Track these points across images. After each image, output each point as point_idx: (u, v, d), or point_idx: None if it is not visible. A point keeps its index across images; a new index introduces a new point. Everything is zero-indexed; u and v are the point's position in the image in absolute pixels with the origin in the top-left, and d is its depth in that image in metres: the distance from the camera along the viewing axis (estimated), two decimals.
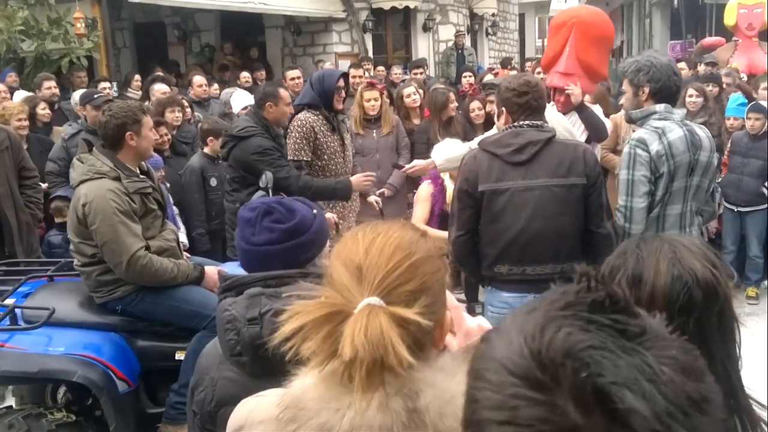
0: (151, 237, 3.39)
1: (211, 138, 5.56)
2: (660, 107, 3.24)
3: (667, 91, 3.26)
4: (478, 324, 1.26)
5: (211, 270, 3.57)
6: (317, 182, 4.65)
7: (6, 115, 5.85)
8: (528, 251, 3.07)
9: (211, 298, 3.49)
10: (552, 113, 4.63)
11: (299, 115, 4.91)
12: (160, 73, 9.18)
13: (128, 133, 3.38)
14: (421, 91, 7.17)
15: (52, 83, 7.21)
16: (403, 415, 1.04)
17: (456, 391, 1.02)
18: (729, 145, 6.14)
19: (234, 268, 3.88)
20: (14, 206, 4.76)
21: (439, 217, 4.59)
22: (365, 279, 1.09)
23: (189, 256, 3.85)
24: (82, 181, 3.29)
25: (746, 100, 6.38)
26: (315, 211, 1.93)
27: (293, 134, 4.84)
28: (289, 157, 4.74)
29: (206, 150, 5.60)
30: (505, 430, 0.56)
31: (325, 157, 4.93)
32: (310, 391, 1.09)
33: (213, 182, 5.56)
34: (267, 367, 1.64)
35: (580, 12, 5.11)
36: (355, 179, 4.70)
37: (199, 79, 8.05)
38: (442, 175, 4.35)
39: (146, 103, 7.05)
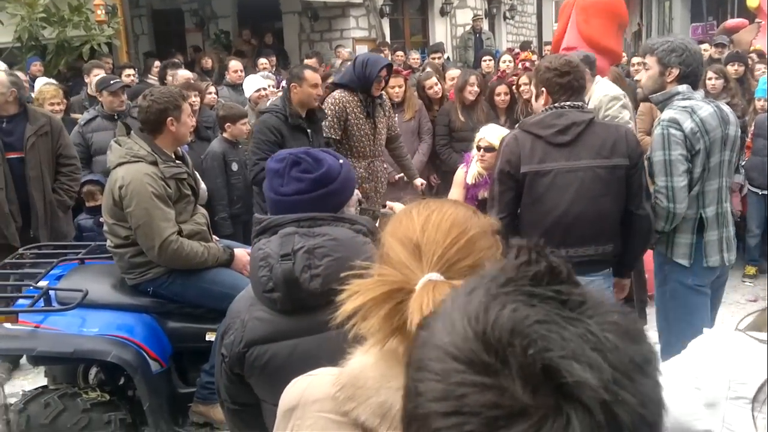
0: (183, 221, 3.42)
1: (228, 123, 5.58)
2: (683, 87, 3.23)
3: (693, 77, 3.28)
4: None
5: (241, 252, 3.61)
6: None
7: (40, 98, 5.92)
8: (571, 233, 3.05)
9: (240, 280, 3.53)
10: (603, 85, 4.58)
11: (334, 94, 5.01)
12: (176, 60, 9.23)
13: (169, 118, 3.41)
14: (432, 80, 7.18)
15: (102, 71, 7.25)
16: None
17: None
18: (753, 128, 6.07)
19: None
20: (43, 191, 4.81)
21: (472, 201, 4.59)
22: (424, 255, 1.09)
23: (218, 239, 3.89)
24: (120, 164, 3.33)
25: None
26: (341, 161, 1.95)
27: (328, 112, 4.92)
28: (324, 135, 4.88)
29: (226, 135, 5.63)
30: (451, 421, 0.54)
31: (355, 138, 5.01)
32: (369, 370, 1.09)
33: (234, 167, 5.58)
34: (298, 302, 1.72)
35: None
36: None
37: (234, 65, 8.20)
38: (473, 157, 4.32)
39: None
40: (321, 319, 1.35)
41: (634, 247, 3.22)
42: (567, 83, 3.10)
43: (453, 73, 6.88)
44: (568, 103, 3.10)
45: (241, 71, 8.12)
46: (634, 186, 3.09)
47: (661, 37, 3.57)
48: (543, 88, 3.16)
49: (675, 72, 3.22)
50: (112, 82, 5.77)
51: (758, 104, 6.23)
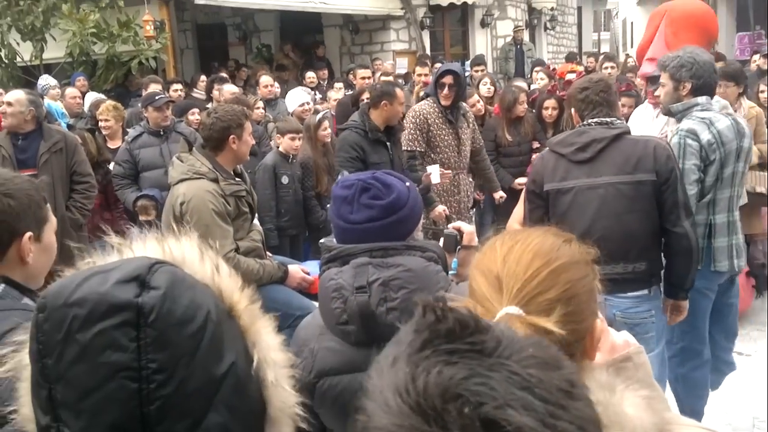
0: (240, 238, 3.46)
1: (278, 135, 5.63)
2: (702, 99, 3.35)
3: (707, 88, 3.37)
4: (624, 339, 1.22)
5: (294, 269, 3.63)
6: None
7: (103, 114, 6.08)
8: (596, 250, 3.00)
9: (294, 297, 3.55)
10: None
11: (415, 105, 5.07)
12: (224, 74, 9.36)
13: (232, 136, 3.45)
14: (489, 87, 7.14)
15: (158, 86, 7.39)
16: None
17: (622, 408, 1.02)
18: None
19: (315, 267, 3.94)
20: (55, 209, 4.79)
21: None
22: (504, 288, 1.08)
23: (272, 255, 3.92)
24: (182, 180, 3.38)
25: None
26: (408, 184, 1.91)
27: (408, 124, 4.95)
28: (403, 147, 4.90)
29: (280, 148, 5.68)
30: None
31: (439, 149, 4.99)
32: None
33: (284, 180, 5.63)
34: (373, 335, 1.68)
35: (678, 2, 5.02)
36: None
37: (265, 80, 8.19)
38: None
39: (212, 103, 7.20)
40: None
41: (677, 266, 3.13)
42: (585, 98, 3.13)
43: (472, 99, 6.53)
44: (594, 120, 3.11)
45: (271, 86, 8.12)
46: (667, 203, 3.01)
47: (671, 52, 3.58)
48: (572, 108, 3.27)
49: (688, 86, 3.36)
50: (156, 97, 5.85)
51: None
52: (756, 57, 9.62)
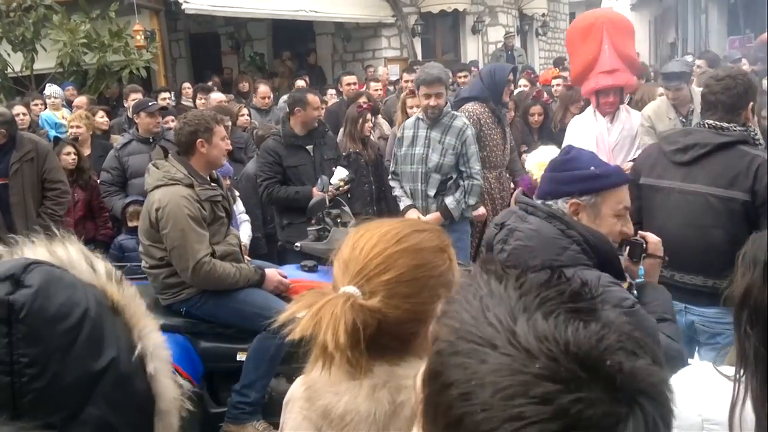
0: (216, 243, 3.49)
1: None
2: None
3: None
4: None
5: (272, 273, 3.66)
6: (279, 191, 4.89)
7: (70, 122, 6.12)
8: (676, 257, 2.80)
9: (271, 300, 3.58)
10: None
11: (466, 106, 5.17)
12: (209, 84, 9.44)
13: (199, 140, 3.50)
14: None
15: (139, 95, 7.45)
16: (386, 405, 1.13)
17: None
18: None
19: (293, 271, 3.98)
20: (26, 216, 4.85)
21: None
22: (348, 271, 1.18)
23: (250, 259, 3.95)
24: (157, 186, 3.41)
25: None
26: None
27: None
28: None
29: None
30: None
31: (488, 149, 5.13)
32: (321, 376, 1.20)
33: None
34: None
35: (601, 13, 5.14)
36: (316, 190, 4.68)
37: (263, 90, 8.36)
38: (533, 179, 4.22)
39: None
40: None
41: None
42: (704, 96, 3.01)
43: None
44: (710, 121, 2.93)
45: (269, 98, 8.28)
46: (760, 227, 2.66)
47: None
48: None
49: None
50: (149, 104, 5.88)
51: None
52: (745, 61, 9.65)
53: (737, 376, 1.31)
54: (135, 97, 6.98)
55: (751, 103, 3.00)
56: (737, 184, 2.80)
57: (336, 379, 1.18)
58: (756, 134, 2.98)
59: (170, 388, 0.93)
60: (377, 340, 1.16)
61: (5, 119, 4.96)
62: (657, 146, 3.08)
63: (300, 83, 10.03)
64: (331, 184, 4.57)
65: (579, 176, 2.04)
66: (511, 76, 5.22)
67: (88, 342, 0.83)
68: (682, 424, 1.41)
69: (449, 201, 4.67)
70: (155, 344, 0.93)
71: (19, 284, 0.81)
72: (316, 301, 1.16)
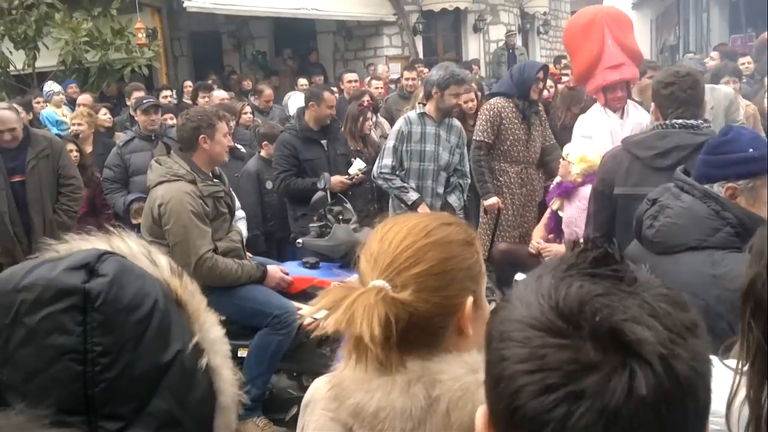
0: (218, 239, 3.51)
1: (266, 142, 5.68)
2: None
3: None
4: None
5: (273, 269, 3.68)
6: (296, 183, 4.99)
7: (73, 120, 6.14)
8: None
9: (273, 297, 3.59)
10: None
11: (491, 100, 5.31)
12: (208, 81, 9.47)
13: (201, 136, 3.51)
14: (479, 93, 7.20)
15: (141, 93, 7.47)
16: (422, 401, 1.11)
17: (469, 384, 1.09)
18: None
19: (294, 267, 3.99)
20: (42, 212, 4.90)
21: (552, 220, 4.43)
22: (377, 265, 1.17)
23: (251, 255, 3.96)
24: (160, 182, 3.43)
25: None
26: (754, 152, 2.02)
27: (482, 116, 5.23)
28: (473, 137, 5.20)
29: (262, 153, 5.73)
30: (536, 377, 0.63)
31: (508, 143, 5.19)
32: (349, 374, 1.18)
33: (268, 185, 5.66)
34: (640, 240, 2.12)
35: (599, 9, 5.13)
36: (335, 180, 4.76)
37: (269, 93, 8.46)
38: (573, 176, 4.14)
39: None
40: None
41: None
42: (671, 94, 2.87)
43: (467, 96, 6.73)
44: (679, 121, 2.84)
45: (272, 100, 8.39)
46: None
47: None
48: (653, 103, 3.01)
49: None
50: (144, 101, 5.90)
51: None
52: (747, 59, 9.65)
53: (738, 368, 1.31)
54: (137, 96, 7.00)
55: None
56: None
57: (367, 376, 1.16)
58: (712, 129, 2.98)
59: (231, 383, 0.93)
60: (406, 335, 1.14)
61: (16, 118, 5.02)
62: (625, 153, 2.91)
63: (302, 82, 10.08)
64: (348, 173, 4.82)
65: (734, 159, 1.97)
66: (541, 74, 5.22)
67: (157, 333, 0.84)
68: None
69: (453, 199, 4.83)
70: (216, 338, 0.93)
71: (94, 273, 0.81)
72: (346, 294, 1.14)
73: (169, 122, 6.57)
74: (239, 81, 11.49)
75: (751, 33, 14.58)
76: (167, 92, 8.32)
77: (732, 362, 1.40)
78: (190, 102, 8.65)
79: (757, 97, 6.16)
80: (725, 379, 1.38)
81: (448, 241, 1.19)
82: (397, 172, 4.81)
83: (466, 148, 5.03)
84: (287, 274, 3.77)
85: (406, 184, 4.74)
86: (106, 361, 0.79)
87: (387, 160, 4.74)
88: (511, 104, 5.16)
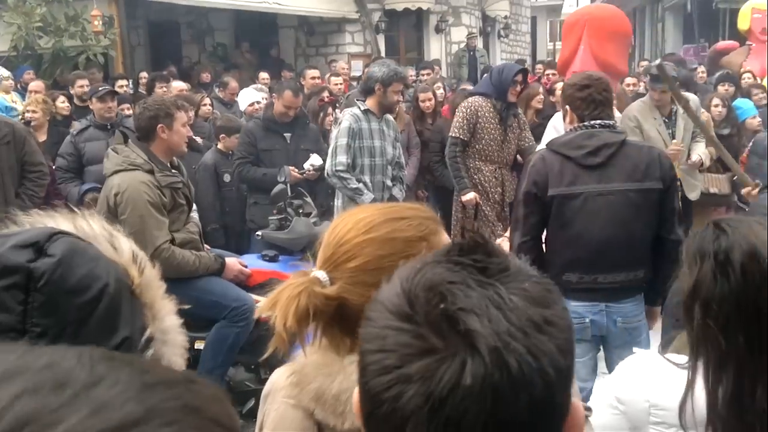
0: (176, 230, 3.46)
1: (223, 135, 5.61)
2: None
3: None
4: None
5: (232, 262, 3.63)
6: (248, 171, 5.08)
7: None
8: (601, 259, 2.90)
9: (230, 289, 3.55)
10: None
11: (469, 99, 5.39)
12: (164, 72, 9.30)
13: (160, 125, 3.45)
14: (441, 92, 7.29)
15: (85, 81, 7.27)
16: None
17: None
18: (750, 145, 6.14)
19: (253, 260, 3.95)
20: (4, 199, 4.81)
21: None
22: (322, 256, 1.22)
23: (209, 248, 3.90)
24: (116, 171, 3.36)
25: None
26: None
27: (459, 114, 5.33)
28: (449, 134, 5.33)
29: (220, 146, 5.65)
30: (376, 357, 0.65)
31: (483, 142, 5.27)
32: (310, 360, 1.23)
33: (226, 178, 5.60)
34: None
35: (592, 10, 5.17)
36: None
37: (234, 86, 8.32)
38: None
39: None
40: None
41: (664, 273, 2.96)
42: (587, 96, 2.97)
43: (425, 94, 6.77)
44: (598, 121, 2.96)
45: (236, 93, 8.24)
46: (666, 210, 2.95)
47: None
48: (567, 106, 3.08)
49: None
50: (100, 88, 5.78)
51: (755, 122, 6.31)
52: (702, 68, 9.95)
53: (691, 363, 1.36)
54: (81, 84, 6.85)
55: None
56: (650, 175, 2.91)
57: (327, 361, 1.20)
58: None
59: None
60: (357, 322, 1.17)
61: None
62: (554, 155, 2.98)
63: (263, 76, 9.99)
64: (303, 167, 4.83)
65: None
66: (519, 77, 5.25)
67: (104, 318, 0.82)
68: (629, 410, 1.46)
69: (396, 191, 4.95)
70: (170, 327, 0.92)
71: (42, 252, 0.80)
72: (286, 283, 1.20)
73: (126, 112, 6.44)
74: (198, 73, 11.32)
75: (704, 43, 15.02)
76: (123, 82, 8.14)
77: (673, 357, 1.44)
78: (146, 93, 8.50)
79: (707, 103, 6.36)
80: (667, 373, 1.42)
81: (390, 237, 1.20)
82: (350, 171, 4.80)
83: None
84: (246, 266, 3.73)
85: (360, 186, 4.68)
86: (45, 342, 0.77)
87: (341, 158, 4.65)
88: (488, 104, 5.23)
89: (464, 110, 5.25)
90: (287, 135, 5.08)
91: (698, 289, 1.34)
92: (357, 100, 5.11)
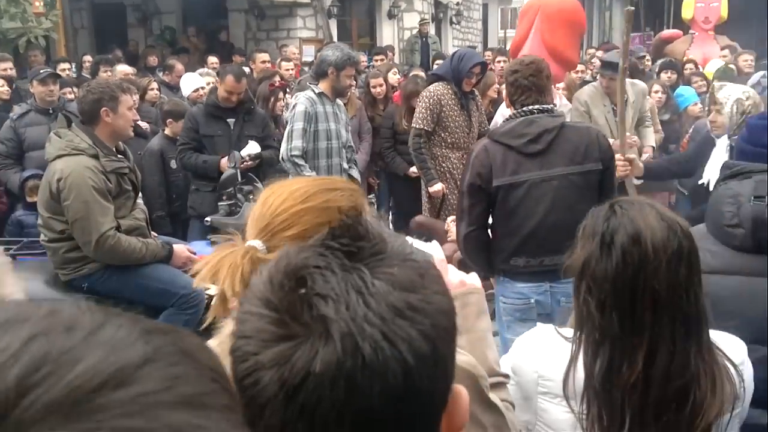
0: (121, 217, 3.38)
1: (170, 120, 5.48)
2: None
3: None
4: (460, 279, 1.30)
5: (180, 248, 3.58)
6: (189, 158, 4.95)
7: None
8: (547, 243, 2.90)
9: (178, 276, 3.50)
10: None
11: (430, 87, 5.28)
12: (107, 56, 9.05)
13: (104, 108, 3.36)
14: (396, 77, 7.30)
15: (9, 64, 6.99)
16: None
17: None
18: (690, 131, 6.31)
19: (202, 247, 3.89)
20: None
21: None
22: (255, 226, 1.22)
23: (156, 235, 3.84)
24: (59, 156, 3.26)
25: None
26: None
27: (421, 104, 5.22)
28: (412, 125, 5.25)
29: (167, 131, 5.53)
30: (239, 343, 0.64)
31: (449, 129, 5.20)
32: (227, 329, 1.24)
33: (173, 164, 5.47)
34: (759, 242, 1.89)
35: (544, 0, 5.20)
36: (224, 161, 4.74)
37: (181, 69, 8.12)
38: None
39: None
40: None
41: None
42: (514, 81, 3.01)
43: (376, 80, 6.79)
44: (537, 107, 2.98)
45: (181, 75, 8.07)
46: (605, 189, 3.00)
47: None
48: (505, 92, 3.13)
49: None
50: (41, 71, 5.59)
51: (696, 108, 6.49)
52: (648, 56, 10.17)
53: (575, 338, 1.42)
54: (4, 67, 6.61)
55: (554, 87, 3.20)
56: (590, 157, 2.96)
57: None
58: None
59: None
60: None
61: None
62: (496, 145, 3.01)
63: (212, 60, 9.80)
64: (241, 156, 4.66)
65: None
66: (477, 69, 5.18)
67: None
68: (521, 380, 1.52)
69: (355, 173, 4.96)
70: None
71: None
72: (221, 253, 1.20)
73: (68, 96, 6.25)
74: (145, 56, 11.04)
75: (650, 32, 15.37)
76: (65, 65, 7.88)
77: (566, 331, 1.51)
78: (89, 77, 8.25)
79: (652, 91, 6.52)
80: (556, 346, 1.49)
81: (326, 207, 1.21)
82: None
83: None
84: (195, 253, 3.68)
85: (314, 174, 4.64)
86: None
87: (297, 142, 4.62)
88: (449, 91, 5.19)
89: (427, 100, 5.19)
90: (231, 121, 4.94)
91: (585, 267, 1.40)
92: (309, 83, 5.05)
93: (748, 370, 1.46)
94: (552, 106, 3.03)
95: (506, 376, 1.38)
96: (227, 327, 1.26)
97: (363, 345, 0.59)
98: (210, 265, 1.17)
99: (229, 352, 0.65)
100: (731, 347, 1.46)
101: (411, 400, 0.62)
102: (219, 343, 1.26)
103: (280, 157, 4.73)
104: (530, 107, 2.98)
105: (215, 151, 4.81)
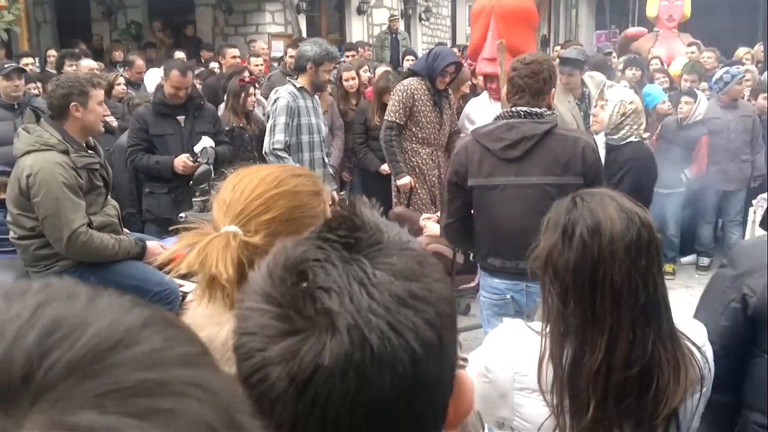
0: (93, 213, 3.34)
1: None
2: None
3: None
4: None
5: (153, 245, 3.54)
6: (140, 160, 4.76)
7: None
8: (521, 247, 2.85)
9: (152, 273, 3.45)
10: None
11: (404, 81, 5.33)
12: (73, 50, 8.87)
13: (73, 103, 3.30)
14: (367, 74, 7.27)
15: None
16: None
17: None
18: (659, 129, 6.43)
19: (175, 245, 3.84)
20: None
21: None
22: (229, 211, 1.25)
23: (129, 231, 3.78)
24: (28, 152, 3.20)
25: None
26: None
27: (394, 96, 5.28)
28: (385, 117, 5.30)
29: None
30: (243, 340, 0.64)
31: (420, 125, 5.24)
32: (201, 311, 1.27)
33: None
34: None
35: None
36: (177, 161, 4.61)
37: (140, 65, 8.03)
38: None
39: None
40: None
41: None
42: (511, 79, 2.99)
43: (348, 74, 6.74)
44: (525, 109, 2.92)
45: (143, 71, 7.96)
46: None
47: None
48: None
49: None
50: (6, 65, 5.47)
51: (664, 107, 6.60)
52: (614, 53, 10.32)
53: (543, 331, 1.44)
54: None
55: (553, 90, 3.12)
56: (570, 170, 2.88)
57: (216, 312, 1.24)
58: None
59: None
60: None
61: None
62: (476, 144, 2.98)
63: (179, 55, 9.66)
64: (194, 152, 4.53)
65: None
66: (452, 68, 5.21)
67: None
68: (496, 377, 1.53)
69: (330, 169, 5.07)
70: None
71: None
72: (199, 239, 1.21)
73: (33, 91, 6.11)
74: (110, 51, 10.85)
75: (615, 30, 15.59)
76: (29, 60, 7.71)
77: (536, 325, 1.53)
78: (54, 71, 8.08)
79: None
80: (528, 341, 1.51)
81: (297, 191, 1.28)
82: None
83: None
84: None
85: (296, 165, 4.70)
86: None
87: (279, 136, 4.64)
88: (423, 86, 5.22)
89: (400, 93, 5.22)
90: (181, 118, 4.78)
91: (548, 259, 1.42)
92: (289, 79, 5.04)
93: (709, 352, 1.50)
94: (543, 110, 2.95)
95: (464, 359, 1.41)
96: (191, 307, 1.29)
97: (370, 336, 0.60)
98: (197, 251, 1.18)
99: (233, 349, 0.64)
100: (693, 330, 1.49)
101: (420, 388, 0.62)
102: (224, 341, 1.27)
103: (263, 150, 4.73)
104: (519, 109, 2.94)
105: (167, 150, 4.66)
